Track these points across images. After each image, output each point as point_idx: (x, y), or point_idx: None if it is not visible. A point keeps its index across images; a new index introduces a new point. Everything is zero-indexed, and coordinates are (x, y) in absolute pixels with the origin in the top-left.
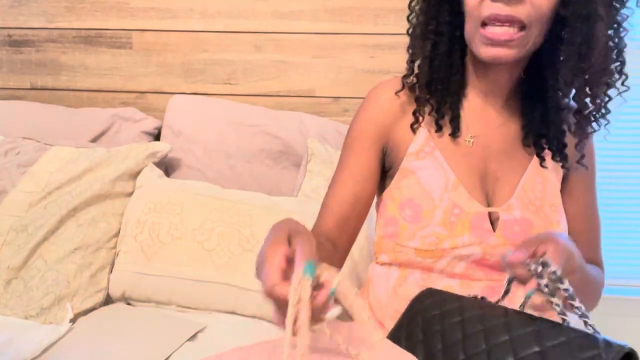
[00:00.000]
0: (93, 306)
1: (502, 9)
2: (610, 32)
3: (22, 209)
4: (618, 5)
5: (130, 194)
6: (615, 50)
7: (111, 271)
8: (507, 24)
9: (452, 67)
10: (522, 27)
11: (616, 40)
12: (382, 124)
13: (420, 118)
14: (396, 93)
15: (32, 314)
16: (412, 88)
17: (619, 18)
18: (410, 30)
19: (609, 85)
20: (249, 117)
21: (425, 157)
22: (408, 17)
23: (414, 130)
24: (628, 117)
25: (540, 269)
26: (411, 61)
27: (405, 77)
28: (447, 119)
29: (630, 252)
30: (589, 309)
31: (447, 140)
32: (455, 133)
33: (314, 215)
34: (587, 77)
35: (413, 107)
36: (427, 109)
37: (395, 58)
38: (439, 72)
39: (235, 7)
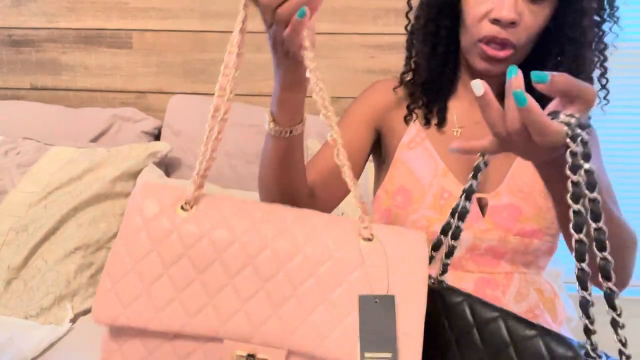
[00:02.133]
0: None
1: (500, 33)
2: (594, 50)
3: (22, 209)
4: (599, 20)
5: (130, 194)
6: (599, 65)
7: None
8: (501, 45)
9: (447, 66)
10: (513, 47)
11: (600, 56)
12: (379, 107)
13: (415, 112)
14: (394, 89)
15: (32, 314)
16: (406, 84)
17: (601, 32)
18: (409, 29)
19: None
20: (249, 117)
21: (416, 147)
22: (407, 13)
23: (407, 122)
24: (629, 117)
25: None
26: (409, 58)
27: (403, 73)
28: (435, 112)
29: None
30: (625, 264)
31: (437, 131)
32: (441, 124)
33: None
34: None
35: (407, 101)
36: (419, 103)
37: (395, 58)
38: (435, 71)
39: (235, 7)
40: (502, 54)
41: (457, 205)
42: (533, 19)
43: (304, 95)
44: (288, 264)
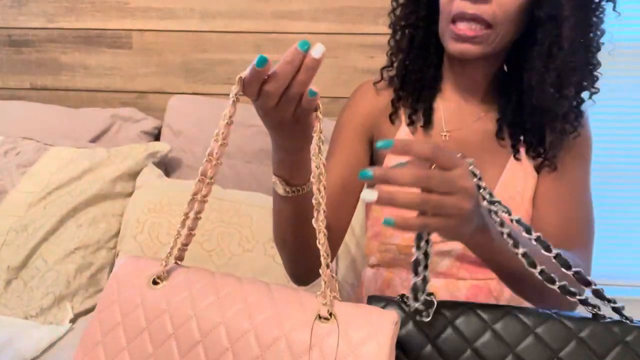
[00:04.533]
0: (93, 306)
1: (469, 8)
2: (579, 33)
3: (22, 209)
4: (593, 7)
5: (130, 194)
6: (587, 52)
7: (111, 271)
8: (473, 22)
9: (427, 60)
10: (488, 25)
11: (588, 42)
12: (367, 115)
13: (400, 109)
14: (374, 83)
15: (32, 314)
16: (392, 81)
17: (594, 19)
18: (390, 25)
19: (581, 87)
20: (249, 117)
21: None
22: (389, 13)
23: (392, 121)
24: (629, 117)
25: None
26: (391, 54)
27: (384, 68)
28: (420, 112)
29: (631, 252)
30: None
31: (425, 137)
32: (427, 125)
33: None
34: (556, 77)
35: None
36: (403, 102)
37: None
38: (414, 65)
39: (235, 7)
40: (471, 32)
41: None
42: None
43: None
44: (237, 343)
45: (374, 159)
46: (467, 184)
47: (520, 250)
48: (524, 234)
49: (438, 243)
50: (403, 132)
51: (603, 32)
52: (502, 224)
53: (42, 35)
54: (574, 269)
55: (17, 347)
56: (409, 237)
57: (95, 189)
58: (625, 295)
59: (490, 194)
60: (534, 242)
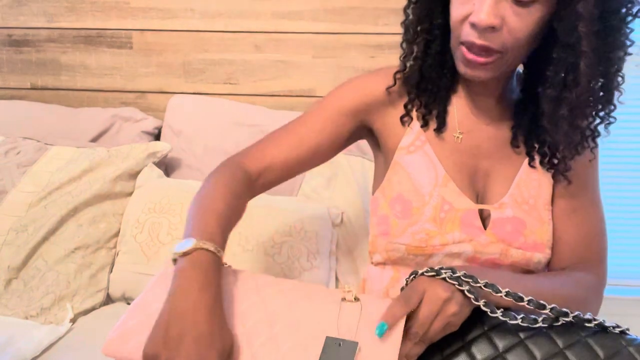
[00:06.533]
0: (93, 306)
1: (478, 39)
2: (598, 63)
3: (22, 209)
4: (616, 23)
5: (130, 194)
6: (606, 76)
7: (111, 271)
8: (483, 52)
9: (444, 67)
10: (498, 52)
11: (607, 67)
12: (371, 99)
13: (412, 111)
14: (387, 89)
15: (32, 314)
16: (405, 81)
17: (620, 33)
18: (404, 30)
19: (596, 116)
20: (249, 117)
21: (416, 151)
22: (405, 8)
23: (403, 123)
24: (629, 117)
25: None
26: (404, 57)
27: (397, 72)
28: (434, 113)
29: (631, 252)
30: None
31: (437, 135)
32: (440, 128)
33: (312, 215)
34: (569, 110)
35: (405, 99)
36: (417, 104)
37: (395, 58)
38: (430, 72)
39: (235, 7)
40: (481, 59)
41: None
42: (519, 22)
43: None
44: (277, 326)
45: (380, 146)
46: (440, 299)
47: (519, 320)
48: (517, 302)
49: (449, 244)
50: (414, 131)
51: (626, 49)
52: (492, 311)
53: (42, 35)
54: (549, 307)
55: (17, 347)
56: (419, 237)
57: (95, 188)
58: (625, 295)
59: (473, 281)
60: (529, 306)
